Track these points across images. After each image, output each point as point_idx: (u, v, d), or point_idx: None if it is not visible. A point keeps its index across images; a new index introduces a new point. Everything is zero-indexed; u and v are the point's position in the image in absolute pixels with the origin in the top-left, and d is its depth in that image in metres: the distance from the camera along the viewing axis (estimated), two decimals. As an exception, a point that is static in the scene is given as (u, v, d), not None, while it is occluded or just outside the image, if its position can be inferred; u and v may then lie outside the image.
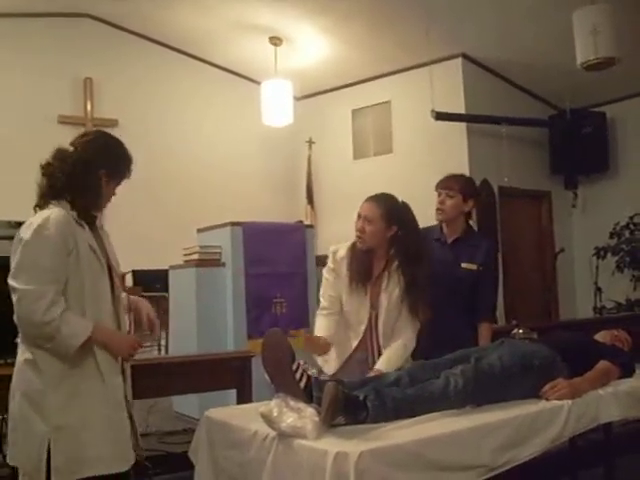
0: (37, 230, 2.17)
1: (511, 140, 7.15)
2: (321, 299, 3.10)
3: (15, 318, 2.16)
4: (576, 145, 7.44)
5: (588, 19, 5.35)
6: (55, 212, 2.22)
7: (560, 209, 8.01)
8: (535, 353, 2.62)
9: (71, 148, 2.34)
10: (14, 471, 2.34)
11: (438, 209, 3.37)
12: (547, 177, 7.85)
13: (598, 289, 7.17)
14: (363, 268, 2.97)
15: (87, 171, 2.29)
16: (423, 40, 6.30)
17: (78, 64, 6.83)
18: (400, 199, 3.04)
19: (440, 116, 6.65)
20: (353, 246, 3.04)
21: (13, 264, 2.17)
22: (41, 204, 2.30)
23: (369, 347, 2.99)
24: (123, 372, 2.36)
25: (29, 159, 6.98)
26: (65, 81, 6.81)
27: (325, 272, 3.11)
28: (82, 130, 6.94)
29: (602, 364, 2.73)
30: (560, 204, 8.01)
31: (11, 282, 2.16)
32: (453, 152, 6.92)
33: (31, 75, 6.57)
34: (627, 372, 2.83)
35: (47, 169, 2.30)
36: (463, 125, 6.90)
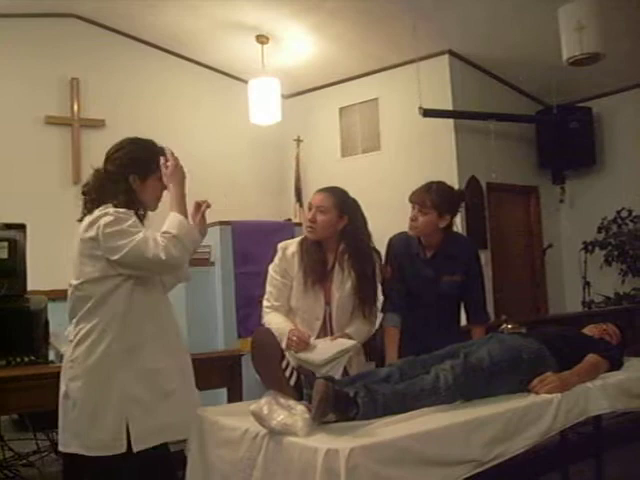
0: (114, 215, 2.34)
1: (499, 136, 7.17)
2: (267, 296, 3.03)
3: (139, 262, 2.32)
4: (563, 140, 7.46)
5: (573, 15, 5.39)
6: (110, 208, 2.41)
7: (548, 204, 8.02)
8: (524, 347, 2.63)
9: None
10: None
11: (411, 223, 3.15)
12: (535, 172, 7.88)
13: (587, 283, 7.20)
14: (318, 263, 2.93)
15: (115, 180, 2.49)
16: (410, 37, 6.30)
17: (64, 64, 6.77)
18: (350, 195, 3.03)
19: (428, 113, 6.65)
20: (303, 241, 3.01)
21: (116, 255, 2.31)
22: (88, 211, 2.49)
23: None
24: None
25: (16, 159, 6.95)
26: (51, 82, 6.74)
27: (271, 269, 3.05)
28: (69, 130, 6.99)
29: (591, 357, 2.75)
30: (548, 199, 8.04)
31: (114, 257, 2.31)
32: (441, 148, 6.92)
33: (17, 76, 6.51)
34: (615, 365, 2.85)
35: (85, 187, 2.54)
36: (451, 122, 6.91)
